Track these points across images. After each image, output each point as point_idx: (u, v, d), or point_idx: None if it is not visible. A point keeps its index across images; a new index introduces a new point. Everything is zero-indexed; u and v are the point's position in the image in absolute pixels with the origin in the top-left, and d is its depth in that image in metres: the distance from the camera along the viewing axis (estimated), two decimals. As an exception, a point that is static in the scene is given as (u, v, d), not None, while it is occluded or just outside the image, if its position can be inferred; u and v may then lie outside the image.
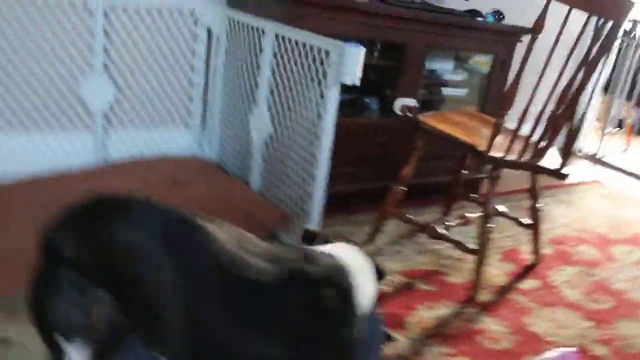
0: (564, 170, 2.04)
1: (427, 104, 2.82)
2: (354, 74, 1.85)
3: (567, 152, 2.04)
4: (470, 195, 2.64)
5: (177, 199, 2.16)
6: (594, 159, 4.14)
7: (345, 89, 2.00)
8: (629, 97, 4.20)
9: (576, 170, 3.82)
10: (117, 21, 2.46)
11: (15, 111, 2.37)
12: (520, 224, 2.46)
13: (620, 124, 4.39)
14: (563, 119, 1.97)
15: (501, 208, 2.46)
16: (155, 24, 2.55)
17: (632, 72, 4.08)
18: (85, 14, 2.38)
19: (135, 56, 2.56)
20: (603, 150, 4.16)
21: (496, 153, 2.01)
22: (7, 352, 1.52)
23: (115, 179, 2.33)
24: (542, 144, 2.03)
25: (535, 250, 2.45)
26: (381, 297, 2.04)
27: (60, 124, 2.48)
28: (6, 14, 2.24)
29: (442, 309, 2.04)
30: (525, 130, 2.00)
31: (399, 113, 2.59)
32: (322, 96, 2.00)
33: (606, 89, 4.05)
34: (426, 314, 2.00)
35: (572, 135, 2.04)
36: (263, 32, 2.28)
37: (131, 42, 2.52)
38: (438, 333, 1.90)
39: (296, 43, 2.12)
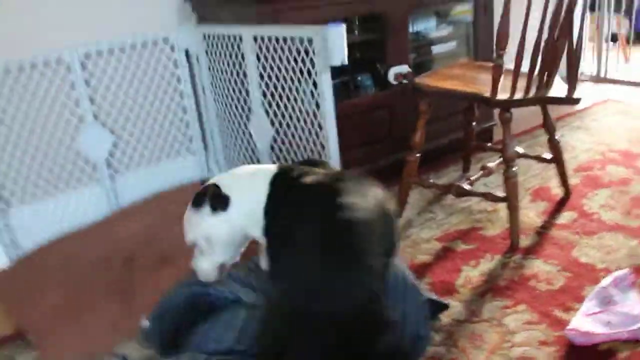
0: (575, 95, 1.99)
1: (420, 67, 2.78)
2: (341, 54, 1.82)
3: (573, 76, 1.98)
4: (486, 145, 2.60)
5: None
6: (597, 78, 4.07)
7: (336, 72, 1.97)
8: (616, 9, 4.12)
9: (583, 93, 3.74)
10: (94, 68, 2.45)
11: (22, 185, 2.37)
12: (543, 160, 2.41)
13: (614, 38, 4.31)
14: (561, 43, 1.92)
15: (519, 149, 2.41)
16: (132, 60, 2.53)
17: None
18: (63, 69, 2.37)
19: (123, 98, 2.54)
20: (604, 68, 4.08)
21: (502, 95, 1.97)
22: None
23: (134, 220, 2.32)
24: (546, 74, 1.98)
25: (564, 183, 2.41)
26: (425, 267, 2.01)
27: (68, 184, 2.48)
28: (-13, 88, 2.23)
29: (487, 264, 2.01)
30: (525, 67, 1.96)
31: (395, 82, 2.56)
32: (315, 85, 1.97)
33: (592, 6, 3.97)
34: (473, 273, 1.97)
35: (575, 57, 1.98)
36: (241, 38, 2.25)
37: (114, 85, 2.51)
38: (490, 288, 1.87)
39: (277, 40, 2.09)
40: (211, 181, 1.55)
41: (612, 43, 4.18)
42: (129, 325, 1.79)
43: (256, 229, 1.48)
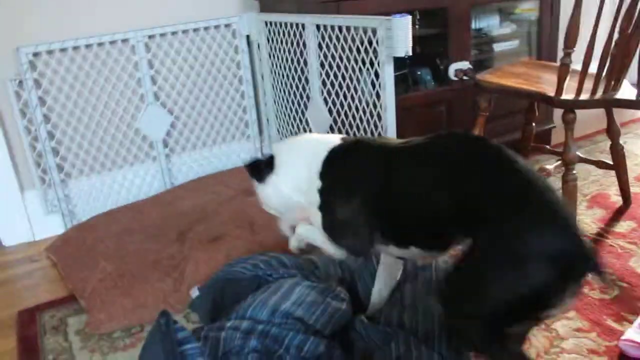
0: (643, 99, 1.93)
1: (481, 64, 2.73)
2: (405, 45, 1.81)
3: (643, 79, 1.92)
4: (545, 147, 2.55)
5: (252, 207, 2.18)
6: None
7: (395, 65, 1.96)
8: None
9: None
10: (158, 50, 2.50)
11: (84, 158, 2.45)
12: (604, 166, 2.34)
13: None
14: (634, 40, 1.85)
15: (579, 154, 2.35)
16: (194, 44, 2.57)
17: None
18: (127, 49, 2.43)
19: (183, 80, 2.59)
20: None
21: (567, 95, 1.92)
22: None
23: (187, 198, 2.37)
24: (615, 76, 1.92)
25: (624, 191, 2.33)
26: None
27: (126, 160, 2.54)
28: (58, 69, 2.31)
29: (540, 267, 1.96)
30: (592, 69, 1.90)
31: (455, 78, 2.52)
32: (376, 76, 1.96)
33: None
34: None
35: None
36: (303, 26, 2.27)
37: (176, 68, 2.56)
38: (542, 292, 1.83)
39: (339, 29, 2.09)
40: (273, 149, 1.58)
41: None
42: (178, 299, 1.83)
43: (303, 196, 1.48)
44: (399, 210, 1.32)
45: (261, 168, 1.52)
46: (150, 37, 2.46)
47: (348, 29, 2.05)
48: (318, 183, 1.44)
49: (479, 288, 1.14)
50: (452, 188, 1.22)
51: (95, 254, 2.05)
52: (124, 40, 2.41)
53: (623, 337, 1.56)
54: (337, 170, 1.43)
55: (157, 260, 1.98)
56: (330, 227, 1.43)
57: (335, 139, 1.49)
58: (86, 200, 2.47)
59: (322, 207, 1.43)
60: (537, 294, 1.09)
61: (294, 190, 1.50)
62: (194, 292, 1.74)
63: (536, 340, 1.61)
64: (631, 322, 1.64)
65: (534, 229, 1.09)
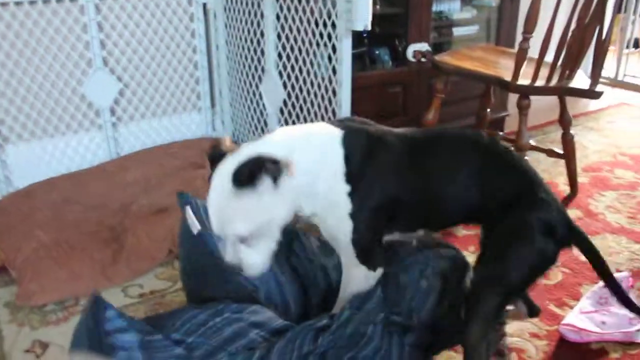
0: (597, 89, 1.94)
1: (439, 47, 2.72)
2: (365, 18, 1.76)
3: (598, 68, 1.94)
4: (498, 133, 2.56)
5: (199, 180, 2.12)
6: (614, 82, 4.01)
7: (354, 43, 1.92)
8: (643, 13, 4.04)
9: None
10: (109, 12, 2.39)
11: (23, 123, 2.32)
12: (554, 154, 2.37)
13: (636, 44, 4.23)
14: (590, 30, 1.86)
15: (531, 142, 2.37)
16: (148, 9, 2.47)
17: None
18: (75, 9, 2.31)
19: (134, 46, 2.49)
20: (622, 72, 4.02)
21: (523, 81, 1.92)
22: (44, 353, 1.49)
23: (132, 170, 2.29)
24: (570, 65, 1.93)
25: (572, 180, 2.37)
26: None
27: (69, 127, 2.43)
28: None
29: (487, 252, 1.97)
30: (548, 58, 1.91)
31: (413, 60, 2.50)
32: (334, 50, 1.92)
33: (619, 7, 3.89)
34: (471, 259, 1.92)
35: (603, 47, 1.92)
36: (261, -4, 2.20)
37: (128, 33, 2.45)
38: (488, 276, 1.83)
39: (299, 1, 2.03)
40: (250, 150, 1.22)
41: (633, 48, 4.11)
42: (117, 271, 1.76)
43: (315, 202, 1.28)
44: (422, 202, 1.34)
45: (255, 169, 1.17)
46: (100, -2, 2.35)
47: (307, 0, 1.99)
48: (345, 187, 1.27)
49: (506, 263, 1.30)
50: (477, 184, 1.33)
51: (30, 223, 1.95)
52: (73, 0, 2.29)
53: (563, 322, 1.58)
54: (365, 169, 1.28)
55: (96, 231, 1.90)
56: (363, 236, 1.30)
57: (333, 130, 1.30)
58: (24, 167, 2.34)
59: (355, 215, 1.27)
60: (545, 260, 1.33)
61: (306, 197, 1.26)
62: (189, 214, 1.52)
63: (480, 323, 1.61)
64: (572, 308, 1.66)
65: (542, 215, 1.30)
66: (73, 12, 2.30)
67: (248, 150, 1.21)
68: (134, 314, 1.63)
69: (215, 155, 1.27)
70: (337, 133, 1.29)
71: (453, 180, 1.34)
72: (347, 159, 1.26)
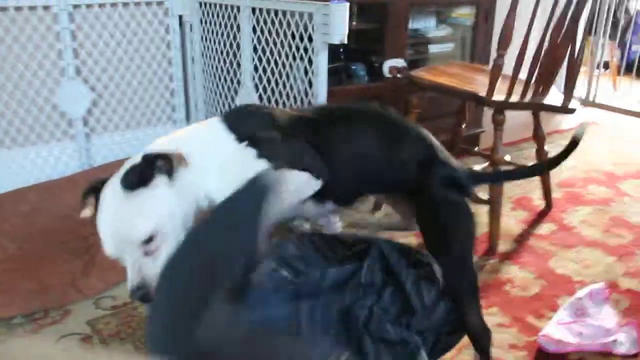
0: (570, 105, 1.97)
1: (415, 64, 2.73)
2: (341, 32, 1.77)
3: (571, 84, 1.96)
4: (473, 149, 2.57)
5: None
6: (586, 102, 4.09)
7: (330, 58, 1.93)
8: (611, 36, 4.14)
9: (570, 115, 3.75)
10: (83, 21, 2.36)
11: (-8, 128, 2.27)
12: (529, 170, 2.39)
13: (605, 65, 4.33)
14: (563, 48, 1.89)
15: (506, 157, 2.39)
16: (123, 19, 2.44)
17: (612, 10, 4.02)
18: (49, 18, 2.27)
19: (108, 56, 2.45)
20: (593, 93, 4.10)
21: (498, 96, 1.93)
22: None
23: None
24: (543, 82, 1.96)
25: (547, 195, 2.39)
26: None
27: (41, 137, 2.38)
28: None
29: (464, 265, 1.97)
30: (522, 75, 1.94)
31: (389, 75, 2.51)
32: (310, 64, 1.91)
33: (589, 30, 3.99)
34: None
35: (575, 65, 1.95)
36: (238, 9, 2.19)
37: (102, 42, 2.42)
38: (465, 289, 1.83)
39: (275, 13, 2.03)
40: (136, 156, 1.21)
41: (603, 70, 4.20)
42: (87, 283, 1.71)
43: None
44: (333, 171, 1.30)
45: (145, 168, 1.15)
46: (75, 6, 2.31)
47: (284, 13, 1.99)
48: (252, 151, 1.23)
49: (455, 246, 1.35)
50: (377, 151, 1.35)
51: (-3, 233, 1.89)
52: (46, 7, 2.25)
53: (541, 333, 1.57)
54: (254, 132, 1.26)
55: (66, 241, 1.85)
56: (282, 155, 1.24)
57: (214, 117, 1.32)
58: (-7, 176, 2.28)
59: (265, 154, 1.23)
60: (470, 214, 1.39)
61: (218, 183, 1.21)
62: None
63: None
64: (550, 319, 1.66)
65: (446, 174, 1.36)
66: (46, 20, 2.27)
67: (134, 156, 1.18)
68: (106, 327, 1.59)
69: (96, 184, 1.22)
70: (216, 117, 1.30)
71: (351, 149, 1.33)
72: (231, 129, 1.25)
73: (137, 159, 1.18)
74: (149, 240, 1.12)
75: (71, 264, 1.75)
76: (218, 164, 1.21)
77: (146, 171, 1.13)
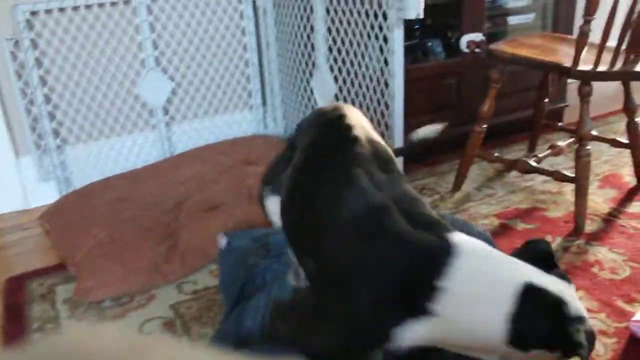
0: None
1: (494, 37, 2.63)
2: (416, 7, 1.72)
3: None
4: (557, 124, 2.46)
5: (251, 177, 2.12)
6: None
7: (406, 35, 1.88)
8: None
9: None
10: (161, 13, 2.42)
11: (81, 124, 2.37)
12: (618, 144, 2.26)
13: None
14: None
15: (593, 132, 2.27)
16: (198, 9, 2.49)
17: None
18: (128, 11, 2.35)
19: (186, 46, 2.51)
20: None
21: (585, 66, 1.83)
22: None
23: (185, 168, 2.30)
24: (634, 48, 1.83)
25: (639, 171, 2.25)
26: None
27: (124, 128, 2.47)
28: (55, 29, 2.23)
29: (549, 246, 1.89)
30: (611, 43, 1.81)
31: (467, 50, 2.43)
32: (385, 41, 1.88)
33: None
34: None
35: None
36: (310, -9, 2.18)
37: (179, 33, 2.48)
38: (550, 271, 1.75)
39: (347, -7, 2.00)
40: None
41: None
42: (171, 268, 1.77)
43: None
44: None
45: None
46: (152, 0, 2.37)
47: (357, -8, 1.96)
48: None
49: None
50: None
51: (88, 221, 1.99)
52: (126, 2, 2.32)
53: (633, 319, 1.49)
54: None
55: (151, 228, 1.92)
56: None
57: None
58: (82, 167, 2.40)
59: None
60: None
61: None
62: (221, 242, 1.60)
63: (543, 319, 1.54)
64: (643, 304, 1.57)
65: None
66: (126, 14, 2.34)
67: None
68: (188, 311, 1.64)
69: None
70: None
71: None
72: None
73: None
74: None
75: (155, 250, 1.81)
76: None
77: None
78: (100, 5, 2.28)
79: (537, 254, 1.11)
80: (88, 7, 2.26)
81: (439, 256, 0.99)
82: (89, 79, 2.34)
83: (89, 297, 1.69)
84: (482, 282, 0.99)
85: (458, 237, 1.03)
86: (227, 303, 1.50)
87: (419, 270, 1.00)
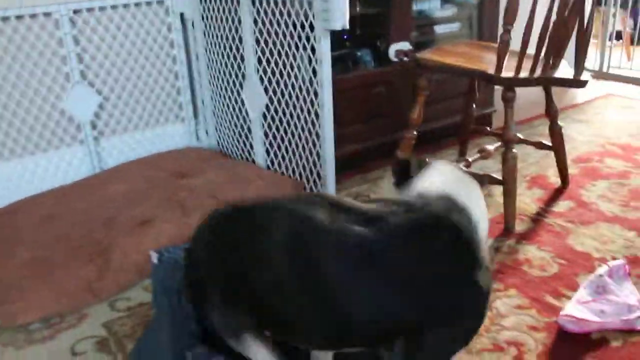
0: (582, 77, 1.92)
1: (421, 46, 2.69)
2: (342, 18, 1.74)
3: (581, 57, 1.92)
4: (485, 129, 2.53)
5: (184, 190, 2.08)
6: (599, 74, 4.01)
7: (334, 45, 1.90)
8: (622, 5, 4.05)
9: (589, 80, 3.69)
10: (85, 25, 2.35)
11: (3, 141, 2.27)
12: (543, 147, 2.34)
13: (618, 36, 4.24)
14: (571, 21, 1.84)
15: (519, 135, 2.34)
16: (124, 21, 2.43)
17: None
18: (50, 24, 2.27)
19: (112, 58, 2.45)
20: (606, 64, 4.02)
21: (507, 73, 1.89)
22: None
23: (116, 183, 2.24)
24: (553, 55, 1.91)
25: (562, 171, 2.34)
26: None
27: (50, 144, 2.38)
28: (-30, 37, 2.13)
29: (480, 248, 1.94)
30: (531, 50, 1.89)
31: (395, 59, 2.48)
32: (313, 52, 1.89)
33: (599, 1, 3.90)
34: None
35: (585, 37, 1.90)
36: (239, 2, 2.17)
37: (105, 45, 2.41)
38: (482, 271, 1.80)
39: (275, 3, 2.01)
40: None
41: (615, 41, 4.12)
42: (103, 286, 1.71)
43: None
44: None
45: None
46: (75, 11, 2.30)
47: (284, 2, 1.97)
48: None
49: None
50: None
51: (13, 242, 1.90)
52: (47, 14, 2.25)
53: (562, 313, 1.54)
54: None
55: (81, 245, 1.85)
56: None
57: None
58: (6, 186, 2.29)
59: None
60: None
61: None
62: (153, 257, 1.56)
63: (476, 319, 1.58)
64: (569, 298, 1.63)
65: None
66: (47, 26, 2.27)
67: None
68: (121, 329, 1.59)
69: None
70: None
71: None
72: None
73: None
74: None
75: (86, 269, 1.75)
76: None
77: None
78: (19, 17, 2.20)
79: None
80: (5, 19, 2.18)
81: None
82: (10, 94, 2.25)
83: (16, 322, 1.61)
84: None
85: None
86: (155, 315, 1.46)
87: None
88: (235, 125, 2.48)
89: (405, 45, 2.49)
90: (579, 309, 1.56)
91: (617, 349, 1.45)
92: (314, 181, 2.11)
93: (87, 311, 1.67)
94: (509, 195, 2.01)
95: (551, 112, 2.21)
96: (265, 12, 2.06)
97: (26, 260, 1.79)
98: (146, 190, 2.15)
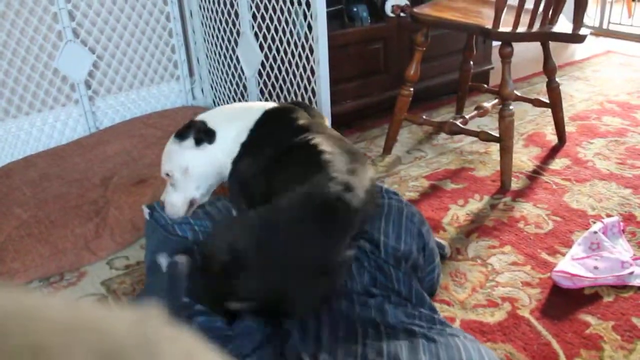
0: (580, 32, 1.89)
1: (418, 1, 2.65)
2: (337, -29, 1.70)
3: (580, 11, 1.88)
4: (483, 86, 2.51)
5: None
6: (599, 30, 3.96)
7: (330, 1, 1.86)
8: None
9: (584, 44, 3.64)
10: (76, -20, 2.30)
11: (-5, 98, 2.25)
12: (540, 104, 2.33)
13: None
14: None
15: (517, 92, 2.33)
16: (117, -24, 2.38)
17: None
18: (42, -21, 2.22)
19: (105, 16, 2.40)
20: (606, 21, 3.96)
21: (505, 28, 1.87)
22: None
23: (111, 143, 2.23)
24: (551, 9, 1.88)
25: (560, 129, 2.33)
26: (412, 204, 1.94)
27: (45, 104, 2.36)
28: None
29: (475, 204, 1.95)
30: (529, 5, 1.86)
31: (392, 15, 2.44)
32: (308, 7, 1.86)
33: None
34: (461, 212, 1.91)
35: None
36: (231, -44, 2.12)
37: (97, 2, 2.37)
38: (476, 228, 1.81)
39: (269, -43, 1.96)
40: (199, 117, 1.53)
41: (617, -4, 4.05)
42: (100, 244, 1.72)
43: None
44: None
45: (208, 130, 1.47)
46: (65, -33, 2.26)
47: (279, -43, 1.92)
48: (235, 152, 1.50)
49: None
50: None
51: (9, 202, 1.90)
52: (36, -30, 2.20)
53: (556, 269, 1.56)
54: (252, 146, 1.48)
55: (77, 205, 1.85)
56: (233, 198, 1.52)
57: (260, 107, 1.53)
58: (1, 146, 2.28)
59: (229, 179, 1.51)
60: None
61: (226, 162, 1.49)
62: (146, 212, 1.59)
63: (471, 275, 1.60)
64: (563, 255, 1.64)
65: None
66: (38, -18, 2.22)
67: (199, 117, 1.53)
68: (121, 286, 1.60)
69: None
70: (271, 104, 1.53)
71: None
72: (251, 132, 1.48)
73: (201, 117, 1.53)
74: (167, 175, 1.51)
75: (84, 227, 1.75)
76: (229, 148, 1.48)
77: (185, 131, 1.49)
78: (9, -26, 2.15)
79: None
80: (-5, -24, 2.13)
81: None
82: (1, 53, 2.22)
83: (15, 280, 1.62)
84: None
85: None
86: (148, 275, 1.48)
87: None
88: (231, 83, 2.45)
89: (401, 0, 2.44)
90: (573, 265, 1.58)
91: (609, 304, 1.47)
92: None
93: (85, 269, 1.68)
94: (506, 153, 2.00)
95: (549, 69, 2.19)
96: (260, -33, 2.02)
97: (24, 220, 1.79)
98: (142, 150, 2.14)
